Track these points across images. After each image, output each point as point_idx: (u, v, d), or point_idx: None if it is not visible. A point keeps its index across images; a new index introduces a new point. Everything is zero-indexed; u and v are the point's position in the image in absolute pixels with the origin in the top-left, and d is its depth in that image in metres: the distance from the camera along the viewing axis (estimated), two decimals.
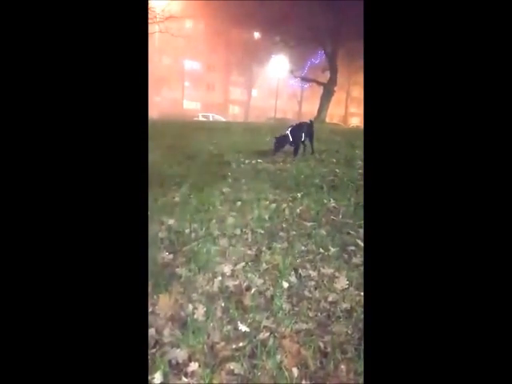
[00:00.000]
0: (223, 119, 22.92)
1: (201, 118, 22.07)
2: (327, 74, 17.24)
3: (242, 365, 1.03)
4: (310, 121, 5.09)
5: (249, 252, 1.76)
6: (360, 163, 4.41)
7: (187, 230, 1.97)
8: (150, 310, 1.26)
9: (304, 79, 20.17)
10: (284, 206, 2.51)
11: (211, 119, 22.00)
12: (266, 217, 2.27)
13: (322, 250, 1.79)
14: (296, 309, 1.32)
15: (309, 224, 2.17)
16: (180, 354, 1.05)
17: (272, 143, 4.66)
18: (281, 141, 4.58)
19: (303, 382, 0.98)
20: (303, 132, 4.73)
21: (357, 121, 37.38)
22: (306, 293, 1.42)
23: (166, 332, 1.16)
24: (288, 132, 4.58)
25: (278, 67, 23.37)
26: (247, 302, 1.34)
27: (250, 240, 1.91)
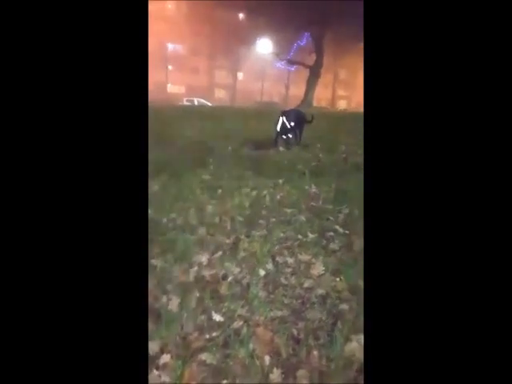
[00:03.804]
0: (209, 103, 22.50)
1: (185, 103, 21.62)
2: (314, 57, 17.02)
3: (215, 355, 1.03)
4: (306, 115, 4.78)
5: (227, 241, 1.74)
6: (344, 148, 4.42)
7: (164, 220, 1.94)
8: None
9: (290, 62, 19.88)
10: (265, 192, 2.50)
11: (196, 104, 21.59)
12: (247, 204, 2.26)
13: (300, 237, 1.79)
14: (272, 296, 1.32)
15: (289, 211, 2.16)
16: (152, 347, 1.04)
17: (276, 135, 4.39)
18: (283, 131, 4.33)
19: (274, 369, 0.99)
20: (293, 120, 4.39)
21: (344, 103, 37.34)
22: (283, 280, 1.42)
23: None
24: (285, 120, 4.31)
25: (264, 49, 22.88)
26: (223, 291, 1.34)
27: (228, 228, 1.90)
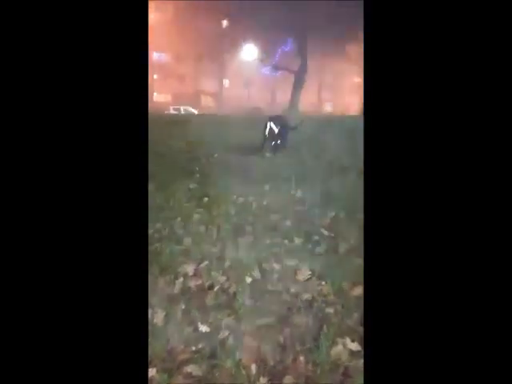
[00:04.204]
0: (195, 111, 22.46)
1: (172, 112, 21.55)
2: (298, 62, 17.22)
3: (201, 366, 1.02)
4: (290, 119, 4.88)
5: (213, 250, 1.74)
6: (329, 151, 4.46)
7: (150, 231, 1.93)
8: None
9: (275, 67, 20.08)
10: (251, 199, 2.50)
11: (182, 112, 21.53)
12: (233, 212, 2.26)
13: (286, 242, 1.80)
14: (258, 304, 1.32)
15: (275, 217, 2.17)
16: None
17: (263, 140, 4.41)
18: (271, 137, 4.37)
19: (261, 378, 0.99)
20: (279, 126, 4.41)
21: (329, 107, 37.75)
22: (269, 287, 1.43)
23: None
24: (272, 126, 4.35)
25: (249, 56, 23.07)
26: (209, 301, 1.33)
27: (215, 237, 1.89)
